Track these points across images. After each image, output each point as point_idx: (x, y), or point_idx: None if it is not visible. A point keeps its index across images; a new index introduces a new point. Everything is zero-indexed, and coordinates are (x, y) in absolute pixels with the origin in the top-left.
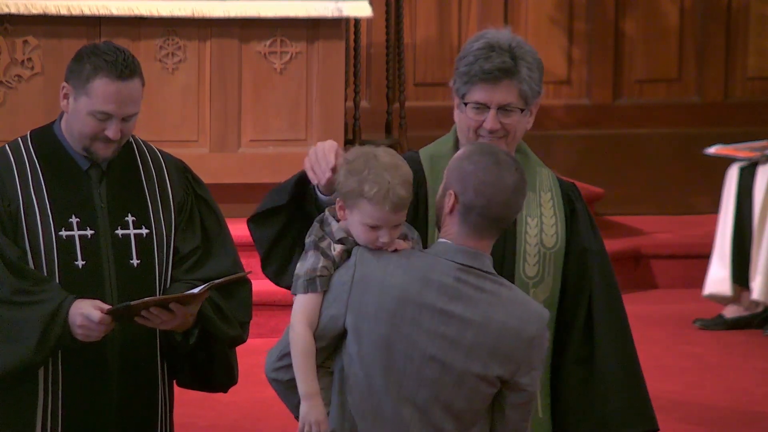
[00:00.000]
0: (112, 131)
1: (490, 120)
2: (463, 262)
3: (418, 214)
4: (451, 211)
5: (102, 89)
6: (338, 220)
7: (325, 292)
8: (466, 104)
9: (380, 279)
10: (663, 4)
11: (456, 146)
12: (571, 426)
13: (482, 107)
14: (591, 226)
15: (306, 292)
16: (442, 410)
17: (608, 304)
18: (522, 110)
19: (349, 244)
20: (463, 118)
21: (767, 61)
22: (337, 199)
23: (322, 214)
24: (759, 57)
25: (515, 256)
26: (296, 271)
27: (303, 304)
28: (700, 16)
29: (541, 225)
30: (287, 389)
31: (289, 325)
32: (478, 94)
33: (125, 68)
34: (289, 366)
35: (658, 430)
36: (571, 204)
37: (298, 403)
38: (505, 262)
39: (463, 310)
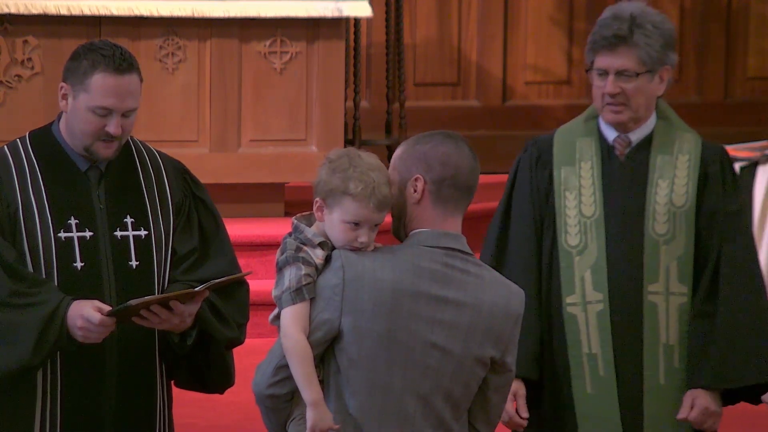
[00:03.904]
0: (113, 126)
1: (609, 84)
2: (447, 245)
3: (548, 200)
4: (420, 198)
5: (101, 83)
6: (309, 225)
7: (312, 300)
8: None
9: (371, 275)
10: (663, 4)
11: (591, 117)
12: (692, 377)
13: (604, 73)
14: (726, 188)
15: (294, 303)
16: (443, 399)
17: (738, 262)
18: (643, 74)
19: (327, 249)
20: (594, 88)
21: (767, 61)
22: (316, 199)
23: (290, 231)
24: (759, 57)
25: (644, 214)
26: (275, 294)
27: (292, 313)
28: (700, 16)
29: (672, 186)
30: (281, 404)
31: (280, 337)
32: (599, 61)
33: (123, 62)
34: (287, 378)
35: None
36: (706, 167)
37: (286, 420)
38: (633, 220)
39: (456, 294)
